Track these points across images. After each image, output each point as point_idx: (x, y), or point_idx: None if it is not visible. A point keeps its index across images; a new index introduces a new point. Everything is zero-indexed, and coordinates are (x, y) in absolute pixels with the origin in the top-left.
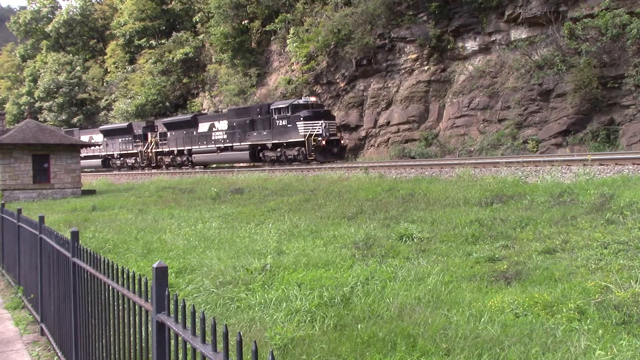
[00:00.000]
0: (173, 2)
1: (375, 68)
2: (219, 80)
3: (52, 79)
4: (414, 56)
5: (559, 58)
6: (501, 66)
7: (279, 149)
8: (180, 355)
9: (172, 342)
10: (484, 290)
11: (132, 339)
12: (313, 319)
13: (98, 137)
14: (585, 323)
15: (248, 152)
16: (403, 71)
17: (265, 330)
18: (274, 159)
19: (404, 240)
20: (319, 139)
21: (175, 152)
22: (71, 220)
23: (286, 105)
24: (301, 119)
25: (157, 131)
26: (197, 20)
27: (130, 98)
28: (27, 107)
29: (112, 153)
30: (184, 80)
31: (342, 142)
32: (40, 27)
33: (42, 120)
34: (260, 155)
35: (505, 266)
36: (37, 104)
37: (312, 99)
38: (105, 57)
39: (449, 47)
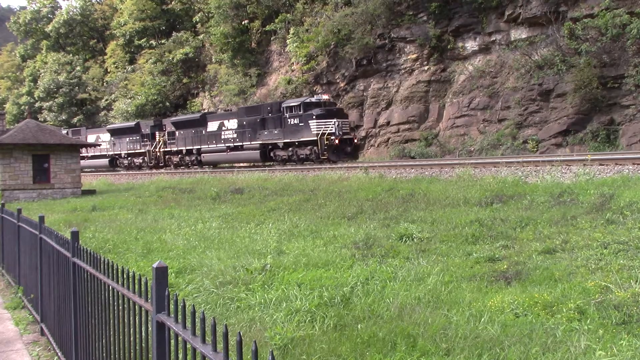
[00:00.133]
0: (173, 2)
1: (375, 68)
2: (219, 80)
3: (52, 79)
4: (414, 56)
5: (559, 58)
6: (501, 66)
7: (290, 149)
8: (180, 355)
9: (172, 342)
10: (484, 290)
11: (132, 339)
12: (313, 319)
13: (105, 137)
14: (585, 323)
15: (259, 151)
16: (403, 71)
17: (265, 330)
18: (286, 158)
19: (404, 240)
20: (332, 137)
21: (184, 151)
22: (71, 220)
23: (298, 103)
24: (313, 117)
25: (165, 130)
26: (197, 20)
27: (130, 98)
28: (27, 107)
29: (119, 152)
30: (184, 80)
31: (355, 141)
32: (40, 27)
33: (42, 120)
34: (271, 154)
35: (505, 266)
36: (37, 104)
37: (325, 96)
38: (105, 57)
39: (449, 47)
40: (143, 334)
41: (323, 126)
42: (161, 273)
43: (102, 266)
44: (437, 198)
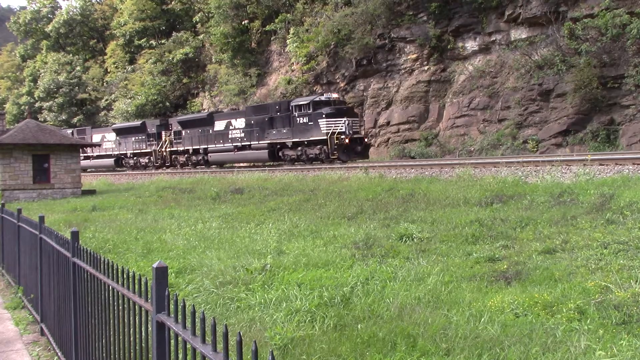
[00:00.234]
0: (173, 2)
1: (375, 68)
2: (219, 80)
3: (52, 79)
4: (414, 56)
5: (559, 58)
6: (501, 66)
7: (299, 148)
8: (180, 355)
9: (172, 342)
10: (484, 290)
11: (132, 339)
12: (313, 319)
13: (111, 136)
14: (585, 323)
15: (267, 151)
16: (403, 71)
17: (265, 330)
18: (294, 158)
19: (404, 240)
20: (342, 137)
21: (191, 151)
22: (71, 220)
23: (307, 102)
24: (323, 116)
25: (171, 130)
26: (197, 20)
27: (130, 98)
28: (27, 107)
29: (125, 152)
30: (184, 80)
31: (365, 140)
32: (40, 27)
33: (42, 120)
34: (280, 154)
35: (505, 266)
36: (37, 104)
37: (335, 95)
38: (105, 57)
39: (449, 47)
40: (143, 334)
41: (333, 125)
42: (161, 273)
43: (102, 266)
44: (437, 198)
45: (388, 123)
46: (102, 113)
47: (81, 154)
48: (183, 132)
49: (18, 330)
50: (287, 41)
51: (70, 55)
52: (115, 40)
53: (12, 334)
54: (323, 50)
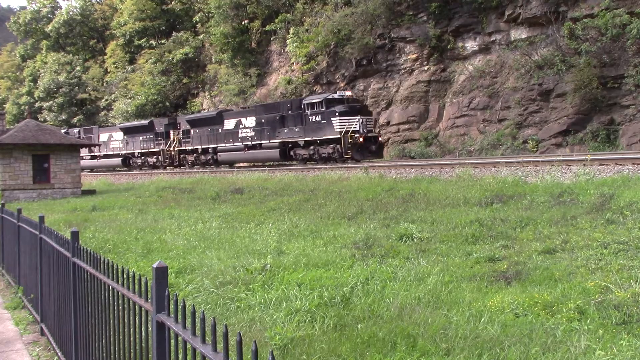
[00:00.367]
0: (173, 2)
1: (375, 68)
2: (219, 80)
3: (52, 79)
4: (414, 56)
5: (559, 58)
6: (501, 66)
7: (311, 147)
8: (180, 355)
9: (172, 342)
10: (484, 290)
11: (132, 339)
12: (313, 319)
13: (118, 135)
14: (585, 323)
15: (278, 150)
16: (403, 71)
17: (265, 330)
18: (307, 157)
19: (404, 240)
20: (356, 135)
21: (200, 150)
22: (71, 220)
23: (320, 99)
24: (336, 114)
25: (179, 128)
26: (197, 20)
27: (130, 98)
28: (27, 107)
29: (132, 151)
30: (184, 80)
31: (380, 138)
32: (40, 27)
33: (42, 120)
34: (291, 153)
35: (505, 266)
36: (37, 104)
37: (348, 93)
38: (105, 57)
39: (449, 47)
40: (143, 334)
41: (346, 123)
42: (161, 273)
43: (102, 266)
44: (437, 198)
45: (388, 123)
46: (102, 113)
47: (88, 154)
48: (192, 131)
49: (18, 330)
50: (287, 41)
51: (70, 55)
52: (115, 40)
53: (12, 334)
54: (323, 50)
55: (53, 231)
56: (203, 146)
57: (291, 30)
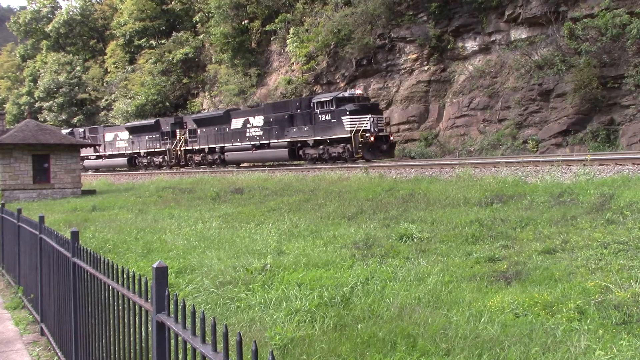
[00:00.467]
0: (173, 2)
1: (375, 68)
2: (219, 80)
3: (52, 79)
4: (414, 56)
5: (559, 58)
6: (501, 66)
7: (321, 146)
8: (180, 355)
9: (172, 342)
10: (484, 290)
11: (132, 339)
12: (313, 319)
13: (124, 135)
14: (585, 323)
15: (287, 149)
16: (403, 71)
17: (265, 330)
18: (316, 157)
19: (404, 240)
20: (367, 134)
21: (206, 150)
22: (71, 220)
23: (330, 98)
24: (347, 113)
25: (186, 128)
26: (197, 20)
27: (130, 98)
28: (27, 107)
29: (138, 151)
30: (184, 80)
31: (391, 138)
32: (40, 27)
33: (42, 120)
34: (300, 153)
35: (505, 266)
36: (37, 104)
37: (358, 91)
38: (105, 57)
39: (449, 47)
40: (143, 334)
41: (357, 122)
42: (161, 273)
43: (102, 266)
44: (437, 198)
45: (388, 123)
46: (102, 113)
47: (93, 153)
48: (198, 130)
49: (18, 330)
50: (287, 41)
51: (70, 55)
52: (115, 40)
53: (12, 334)
54: (323, 50)
55: (53, 231)
56: (210, 146)
57: (291, 30)
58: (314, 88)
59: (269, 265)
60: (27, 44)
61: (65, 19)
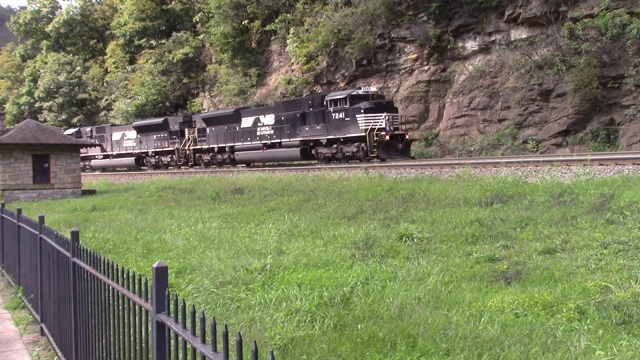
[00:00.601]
0: (173, 2)
1: (375, 68)
2: (219, 80)
3: (52, 79)
4: (414, 56)
5: (559, 58)
6: (501, 66)
7: (334, 146)
8: (180, 355)
9: (172, 342)
10: (484, 290)
11: (132, 339)
12: (313, 319)
13: (131, 134)
14: (585, 323)
15: (299, 148)
16: (403, 71)
17: (265, 330)
18: (329, 156)
19: (404, 240)
20: (382, 133)
21: (216, 149)
22: (71, 220)
23: (344, 96)
24: (361, 111)
25: (195, 127)
26: (197, 20)
27: (130, 98)
28: (27, 107)
29: (146, 151)
30: (184, 80)
31: (407, 136)
32: (40, 27)
33: (42, 120)
34: (313, 152)
35: (505, 266)
36: (37, 104)
37: (373, 89)
38: (105, 57)
39: (449, 47)
40: (143, 334)
41: (372, 121)
42: (161, 273)
43: (102, 266)
44: (437, 198)
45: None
46: (102, 113)
47: (100, 153)
48: (207, 129)
49: (18, 330)
50: (287, 41)
51: (70, 55)
52: (115, 40)
53: (12, 334)
54: (323, 50)
55: (53, 231)
56: (219, 145)
57: (291, 30)
58: (314, 88)
59: (269, 265)
60: (27, 44)
61: (65, 19)
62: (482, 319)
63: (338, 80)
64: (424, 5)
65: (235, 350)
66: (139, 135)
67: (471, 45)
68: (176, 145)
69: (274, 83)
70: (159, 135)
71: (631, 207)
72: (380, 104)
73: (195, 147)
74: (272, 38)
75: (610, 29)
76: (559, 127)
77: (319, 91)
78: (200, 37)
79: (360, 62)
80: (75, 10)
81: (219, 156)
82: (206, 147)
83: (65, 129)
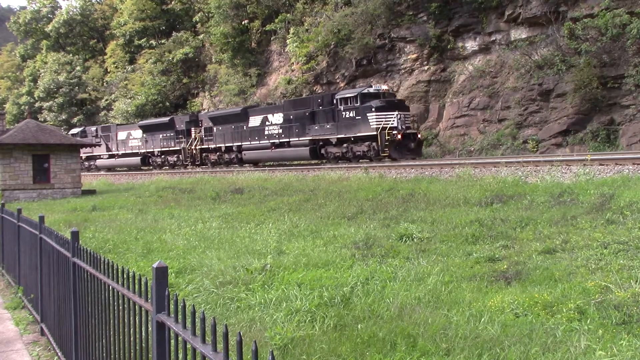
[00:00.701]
0: (173, 2)
1: (375, 68)
2: (219, 80)
3: (52, 79)
4: (414, 56)
5: (559, 58)
6: (501, 66)
7: (344, 145)
8: (180, 355)
9: (172, 342)
10: (484, 290)
11: (132, 339)
12: (313, 319)
13: (137, 133)
14: (585, 323)
15: (308, 148)
16: (403, 71)
17: (265, 330)
18: (339, 155)
19: (404, 240)
20: (394, 132)
21: (223, 148)
22: (71, 220)
23: (354, 94)
24: (372, 109)
25: (201, 126)
26: (197, 20)
27: (130, 98)
28: (27, 107)
29: (152, 150)
30: (184, 80)
31: (419, 136)
32: (40, 27)
33: (42, 120)
34: (322, 151)
35: (505, 266)
36: (37, 104)
37: (384, 87)
38: (105, 57)
39: (449, 47)
40: (143, 334)
41: (383, 119)
42: (161, 273)
43: (102, 266)
44: (437, 198)
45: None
46: (102, 113)
47: (105, 152)
48: (214, 128)
49: (18, 330)
50: (287, 41)
51: (70, 55)
52: (115, 40)
53: (12, 334)
54: (323, 50)
55: (53, 231)
56: (227, 144)
57: (291, 30)
58: (314, 88)
59: (269, 265)
60: (27, 44)
61: (65, 18)
62: (482, 319)
63: (338, 80)
64: (424, 5)
65: (236, 350)
66: (144, 135)
67: (471, 45)
68: (182, 145)
69: (274, 83)
70: (165, 135)
71: (631, 207)
72: (392, 102)
73: (202, 147)
74: (272, 38)
75: (610, 29)
76: (559, 127)
77: (319, 91)
78: (200, 37)
79: (360, 62)
80: (75, 10)
81: (226, 156)
82: (213, 146)
83: (66, 129)
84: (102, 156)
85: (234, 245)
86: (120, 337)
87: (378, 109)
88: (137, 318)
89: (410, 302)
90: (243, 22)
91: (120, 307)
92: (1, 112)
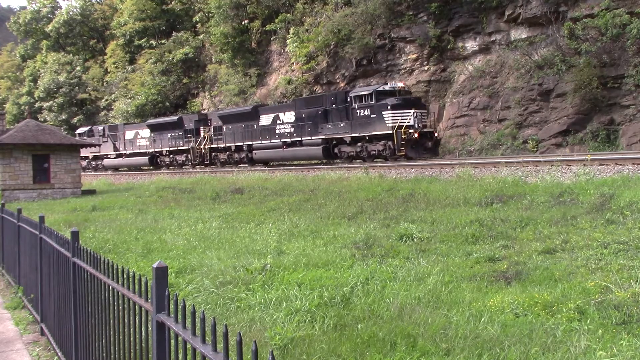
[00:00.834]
0: (173, 2)
1: (375, 68)
2: (219, 80)
3: (52, 79)
4: (414, 56)
5: (559, 58)
6: (501, 66)
7: (359, 144)
8: (180, 355)
9: (172, 342)
10: (484, 290)
11: (132, 339)
12: (313, 319)
13: (145, 133)
14: (585, 323)
15: (320, 147)
16: (403, 71)
17: (265, 330)
18: (353, 155)
19: (404, 240)
20: (410, 131)
21: (233, 148)
22: (71, 220)
23: (369, 92)
24: (388, 107)
25: (211, 125)
26: (197, 20)
27: (130, 98)
28: (27, 107)
29: (160, 150)
30: (184, 80)
31: (436, 134)
32: (40, 27)
33: (42, 120)
34: (336, 151)
35: (505, 266)
36: (37, 104)
37: (400, 84)
38: (105, 57)
39: (449, 47)
40: (143, 334)
41: (399, 118)
42: (161, 273)
43: (102, 266)
44: (437, 198)
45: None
46: (102, 113)
47: (113, 152)
48: (224, 127)
49: (18, 330)
50: (287, 41)
51: (70, 55)
52: (115, 40)
53: (12, 334)
54: (323, 50)
55: (53, 231)
56: (237, 144)
57: (291, 30)
58: (314, 88)
59: (269, 265)
60: (27, 44)
61: (65, 19)
62: (482, 319)
63: (338, 80)
64: (424, 5)
65: (236, 350)
66: (152, 134)
67: (471, 45)
68: (191, 144)
69: (274, 83)
70: (173, 134)
71: (631, 207)
72: (408, 100)
73: (212, 146)
74: (272, 38)
75: (610, 29)
76: (559, 127)
77: (319, 91)
78: (200, 37)
79: (360, 62)
80: (75, 10)
81: (236, 155)
82: (223, 145)
83: (67, 129)
84: (109, 156)
85: (234, 245)
86: (120, 337)
87: (394, 107)
88: (137, 318)
89: (410, 302)
90: (243, 22)
91: (120, 307)
92: (1, 112)
